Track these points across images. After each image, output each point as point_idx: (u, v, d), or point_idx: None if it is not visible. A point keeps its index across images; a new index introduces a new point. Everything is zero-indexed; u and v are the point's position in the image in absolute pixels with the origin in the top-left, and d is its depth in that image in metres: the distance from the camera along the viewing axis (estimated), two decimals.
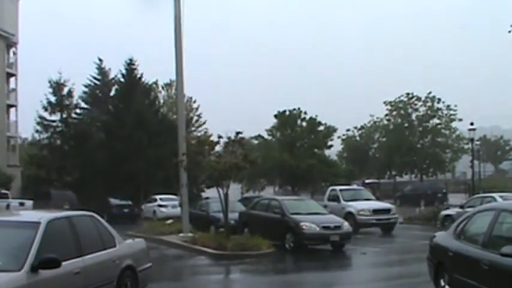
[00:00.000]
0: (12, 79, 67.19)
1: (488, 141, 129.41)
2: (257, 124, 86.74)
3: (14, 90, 67.34)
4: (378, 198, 41.12)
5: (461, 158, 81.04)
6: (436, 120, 78.97)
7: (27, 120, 61.14)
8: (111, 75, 62.92)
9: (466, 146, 73.13)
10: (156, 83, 74.51)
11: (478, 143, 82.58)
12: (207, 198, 38.76)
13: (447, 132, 79.42)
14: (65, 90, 57.92)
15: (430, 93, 77.93)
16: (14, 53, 67.70)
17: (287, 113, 74.63)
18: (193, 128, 72.36)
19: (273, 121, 75.51)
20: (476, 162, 59.10)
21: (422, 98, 78.41)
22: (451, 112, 77.51)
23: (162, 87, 78.08)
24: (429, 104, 78.36)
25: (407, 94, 79.11)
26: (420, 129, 79.20)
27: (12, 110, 66.75)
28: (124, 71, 60.70)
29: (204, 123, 77.86)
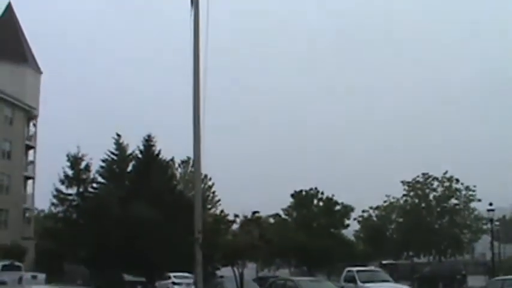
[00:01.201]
0: (31, 151, 67.82)
1: (508, 221, 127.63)
2: (274, 202, 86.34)
3: (32, 162, 67.86)
4: (395, 280, 40.26)
5: (480, 239, 79.82)
6: (454, 201, 78.25)
7: (43, 193, 61.17)
8: (129, 151, 63.28)
9: (485, 227, 72.14)
10: (172, 160, 74.76)
11: (497, 223, 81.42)
12: (221, 277, 38.23)
13: (466, 212, 78.55)
14: (83, 165, 58.31)
15: (446, 173, 77.46)
16: (34, 126, 68.49)
17: (304, 192, 74.58)
18: (209, 206, 72.13)
19: (290, 200, 75.37)
20: (496, 243, 58.19)
21: (439, 178, 77.96)
22: (470, 193, 76.86)
23: (179, 165, 78.30)
24: (446, 184, 77.86)
25: (424, 174, 78.71)
26: (438, 209, 78.41)
27: (30, 182, 67.09)
28: (142, 147, 61.07)
29: (219, 201, 77.79)
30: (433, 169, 77.83)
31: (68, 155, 58.01)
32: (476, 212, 77.37)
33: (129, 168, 62.86)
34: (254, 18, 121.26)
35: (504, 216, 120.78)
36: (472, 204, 77.28)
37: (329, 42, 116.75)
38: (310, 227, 72.54)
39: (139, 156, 61.49)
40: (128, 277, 46.09)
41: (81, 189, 58.51)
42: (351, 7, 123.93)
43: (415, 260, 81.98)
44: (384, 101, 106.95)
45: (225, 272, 41.92)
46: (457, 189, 77.57)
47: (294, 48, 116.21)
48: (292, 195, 75.02)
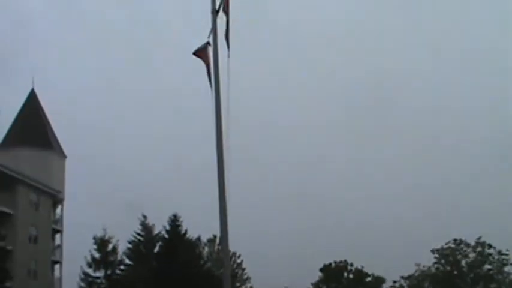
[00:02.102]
0: (57, 235, 67.90)
1: None
2: (303, 277, 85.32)
3: (59, 246, 67.84)
4: None
5: None
6: (487, 266, 76.81)
7: (71, 277, 60.93)
8: (155, 231, 63.01)
9: None
10: (199, 238, 74.38)
11: None
12: None
13: (500, 277, 76.95)
14: (110, 247, 58.10)
15: (480, 238, 76.33)
16: (60, 210, 68.81)
17: (333, 265, 73.58)
18: (238, 284, 71.29)
19: (319, 274, 74.45)
20: None
21: (472, 244, 76.79)
22: (503, 257, 75.49)
23: (205, 244, 77.81)
24: (479, 249, 76.59)
25: (455, 240, 77.57)
26: (471, 276, 76.90)
27: (57, 266, 66.91)
28: (168, 227, 60.86)
29: (249, 278, 76.92)
30: (463, 236, 76.87)
31: (94, 238, 57.94)
32: (511, 277, 75.85)
33: (156, 248, 62.43)
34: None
35: None
36: (506, 269, 75.88)
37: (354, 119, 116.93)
38: None
39: (166, 236, 61.19)
40: None
41: (108, 272, 58.11)
42: None
43: None
44: (407, 170, 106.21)
45: None
46: (489, 254, 76.26)
47: (316, 122, 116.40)
48: (321, 270, 74.04)
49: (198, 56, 16.41)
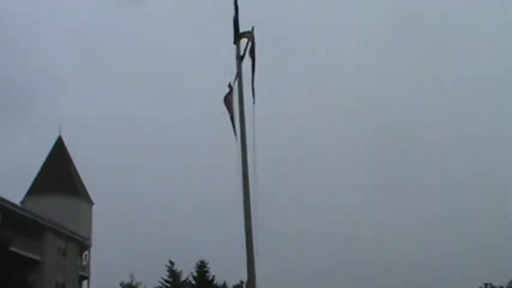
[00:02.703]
0: (84, 282, 67.82)
1: None
2: None
3: None
4: None
5: None
6: None
7: None
8: (183, 277, 62.78)
9: None
10: (225, 285, 73.77)
11: None
12: None
13: None
14: None
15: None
16: (87, 256, 68.84)
17: None
18: None
19: None
20: None
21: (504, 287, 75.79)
22: None
23: None
24: None
25: (486, 285, 76.61)
26: None
27: None
28: (195, 273, 60.56)
29: None
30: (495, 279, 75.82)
31: (121, 284, 57.82)
32: None
33: None
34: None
35: None
36: None
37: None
38: None
39: (193, 282, 60.89)
40: None
41: None
42: None
43: None
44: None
45: None
46: None
47: (345, 163, 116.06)
48: None
49: (225, 105, 16.40)
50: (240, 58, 16.43)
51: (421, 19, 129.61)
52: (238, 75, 16.19)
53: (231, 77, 16.59)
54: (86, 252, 68.76)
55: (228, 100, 16.39)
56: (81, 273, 66.45)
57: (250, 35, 16.22)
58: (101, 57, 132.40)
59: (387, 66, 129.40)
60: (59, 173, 67.98)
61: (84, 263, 68.36)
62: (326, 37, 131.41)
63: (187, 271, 61.52)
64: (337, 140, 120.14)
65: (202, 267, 60.26)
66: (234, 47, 16.89)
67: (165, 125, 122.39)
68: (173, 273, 62.14)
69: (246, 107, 16.04)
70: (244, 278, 25.94)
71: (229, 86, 16.35)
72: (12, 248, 45.35)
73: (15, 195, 64.59)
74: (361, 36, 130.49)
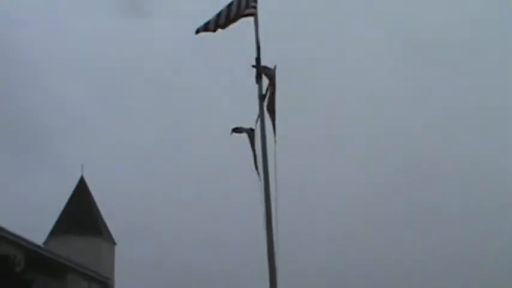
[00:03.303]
0: None
1: None
2: None
3: None
4: None
5: None
6: None
7: None
8: None
9: None
10: None
11: None
12: None
13: None
14: None
15: None
16: None
17: None
18: None
19: None
20: None
21: None
22: None
23: None
24: None
25: None
26: None
27: None
28: None
29: None
30: None
31: None
32: None
33: None
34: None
35: None
36: None
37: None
38: None
39: None
40: None
41: None
42: None
43: None
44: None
45: None
46: None
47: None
48: None
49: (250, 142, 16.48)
50: (262, 97, 16.56)
51: (437, 49, 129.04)
52: (261, 115, 16.29)
53: (252, 115, 16.69)
54: None
55: (251, 139, 16.48)
56: None
57: (272, 72, 16.36)
58: (116, 87, 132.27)
59: (406, 95, 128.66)
60: (81, 214, 68.27)
61: None
62: (341, 72, 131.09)
63: None
64: (355, 173, 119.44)
65: None
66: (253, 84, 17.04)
67: (185, 162, 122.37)
68: None
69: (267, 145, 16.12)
70: None
71: (251, 129, 16.43)
72: None
73: (38, 236, 64.84)
74: (380, 66, 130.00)
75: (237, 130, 16.55)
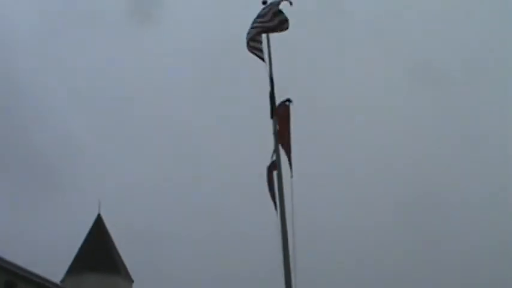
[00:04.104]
0: None
1: None
2: None
3: None
4: None
5: None
6: None
7: None
8: None
9: None
10: None
11: None
12: None
13: None
14: None
15: None
16: None
17: None
18: None
19: None
20: None
21: None
22: None
23: None
24: None
25: None
26: None
27: None
28: None
29: None
30: None
31: None
32: None
33: None
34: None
35: None
36: None
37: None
38: None
39: None
40: None
41: None
42: None
43: None
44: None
45: None
46: None
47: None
48: None
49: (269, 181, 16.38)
50: (277, 133, 16.47)
51: (442, 75, 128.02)
52: (276, 150, 16.22)
53: (268, 149, 16.62)
54: None
55: (269, 177, 16.38)
56: None
57: (284, 108, 16.29)
58: (123, 120, 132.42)
59: (411, 124, 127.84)
60: (98, 251, 68.12)
61: None
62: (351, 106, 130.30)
63: None
64: (365, 207, 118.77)
65: None
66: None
67: (203, 194, 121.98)
68: None
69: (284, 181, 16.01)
70: None
71: (269, 167, 16.35)
72: None
73: (56, 274, 64.77)
74: (383, 91, 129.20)
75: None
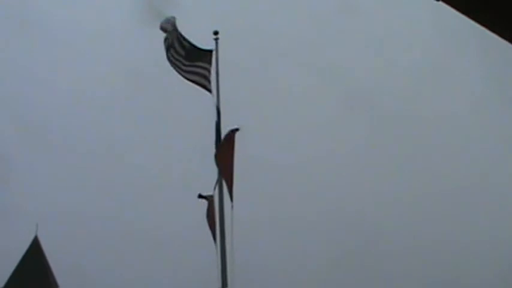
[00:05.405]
0: None
1: None
2: None
3: None
4: None
5: None
6: None
7: None
8: None
9: None
10: None
11: None
12: None
13: None
14: None
15: None
16: None
17: None
18: None
19: None
20: None
21: None
22: None
23: None
24: None
25: None
26: None
27: None
28: None
29: None
30: None
31: None
32: None
33: None
34: None
35: None
36: None
37: None
38: None
39: None
40: None
41: None
42: None
43: None
44: None
45: None
46: None
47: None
48: None
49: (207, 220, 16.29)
50: (219, 163, 16.50)
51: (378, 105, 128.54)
52: (219, 180, 16.24)
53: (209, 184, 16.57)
54: None
55: (209, 211, 16.30)
56: None
57: (231, 136, 16.36)
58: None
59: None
60: (34, 273, 66.77)
61: None
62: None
63: None
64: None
65: None
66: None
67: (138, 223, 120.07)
68: None
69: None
70: None
71: (208, 197, 16.32)
72: None
73: None
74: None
75: (202, 196, 16.41)
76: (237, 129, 16.60)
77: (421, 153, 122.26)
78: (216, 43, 18.27)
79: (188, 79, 17.53)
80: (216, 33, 18.57)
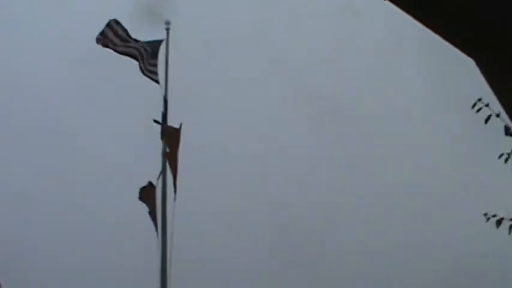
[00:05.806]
0: None
1: None
2: None
3: None
4: None
5: None
6: None
7: None
8: None
9: None
10: None
11: None
12: None
13: None
14: None
15: None
16: None
17: None
18: None
19: None
20: None
21: None
22: None
23: None
24: None
25: None
26: None
27: None
28: None
29: None
30: None
31: None
32: None
33: None
34: None
35: None
36: None
37: None
38: None
39: None
40: None
41: None
42: None
43: None
44: None
45: None
46: None
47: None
48: None
49: (142, 199, 16.28)
50: (165, 154, 16.51)
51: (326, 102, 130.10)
52: (163, 172, 16.24)
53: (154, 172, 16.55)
54: None
55: (148, 195, 16.29)
56: None
57: (174, 131, 16.34)
58: None
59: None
60: None
61: None
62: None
63: None
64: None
65: None
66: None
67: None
68: None
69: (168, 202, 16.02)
70: None
71: (151, 183, 16.31)
72: None
73: None
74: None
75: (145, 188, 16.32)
76: (180, 126, 16.56)
77: (367, 152, 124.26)
78: (167, 33, 18.15)
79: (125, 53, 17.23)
80: (167, 23, 18.40)
